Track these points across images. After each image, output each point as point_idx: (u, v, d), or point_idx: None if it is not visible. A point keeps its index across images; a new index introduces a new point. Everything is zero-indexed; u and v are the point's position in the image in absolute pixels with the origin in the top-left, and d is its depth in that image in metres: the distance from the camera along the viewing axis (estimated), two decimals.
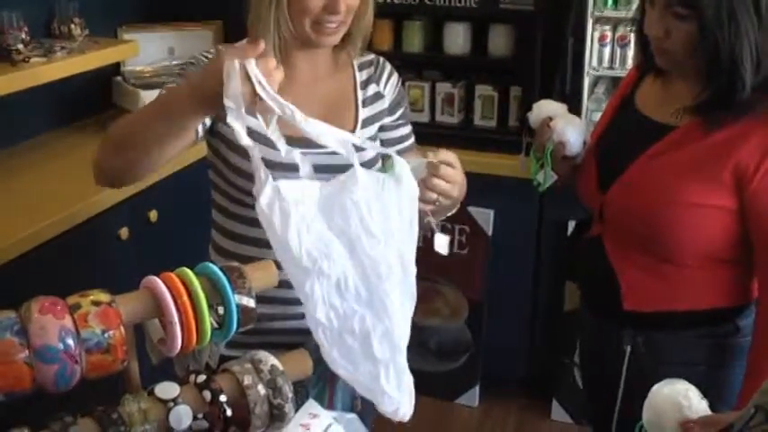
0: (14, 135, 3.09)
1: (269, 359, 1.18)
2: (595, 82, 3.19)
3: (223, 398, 1.12)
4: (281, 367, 1.17)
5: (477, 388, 3.51)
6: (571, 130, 1.94)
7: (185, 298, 1.12)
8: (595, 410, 2.17)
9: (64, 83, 2.94)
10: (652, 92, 1.88)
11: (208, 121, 1.72)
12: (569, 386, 3.30)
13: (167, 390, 1.10)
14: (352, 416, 1.67)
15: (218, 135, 1.77)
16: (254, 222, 1.78)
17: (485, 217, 3.28)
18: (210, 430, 1.12)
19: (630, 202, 1.81)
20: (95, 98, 3.39)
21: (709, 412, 1.41)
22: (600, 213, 1.89)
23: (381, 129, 1.93)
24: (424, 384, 3.50)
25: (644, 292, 1.85)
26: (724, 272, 1.81)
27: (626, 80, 2.02)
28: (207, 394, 1.11)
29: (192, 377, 1.14)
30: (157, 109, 1.56)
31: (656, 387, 1.47)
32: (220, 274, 1.16)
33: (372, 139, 1.89)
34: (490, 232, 3.29)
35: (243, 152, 1.60)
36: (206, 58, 1.74)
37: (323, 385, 1.89)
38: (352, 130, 1.84)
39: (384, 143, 1.95)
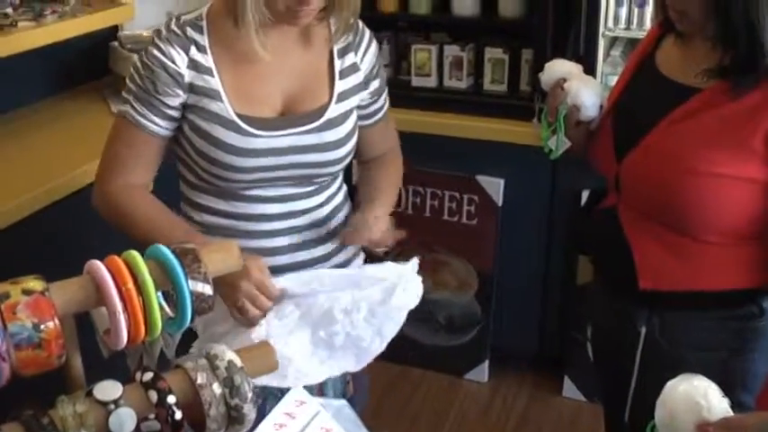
0: (8, 102, 2.99)
1: (226, 354, 1.05)
2: (611, 44, 3.03)
3: (171, 399, 0.99)
4: (239, 363, 1.04)
5: (487, 363, 3.41)
6: (586, 93, 1.81)
7: (130, 285, 1.00)
8: (607, 390, 2.05)
9: (59, 48, 2.85)
10: (674, 52, 1.74)
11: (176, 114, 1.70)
12: (582, 362, 3.17)
13: (108, 390, 0.98)
14: (342, 402, 1.55)
15: (185, 118, 1.71)
16: (221, 194, 1.71)
17: (494, 186, 3.16)
18: None
19: (649, 170, 1.68)
20: (92, 64, 3.29)
21: (730, 413, 1.27)
22: (616, 182, 1.76)
23: (358, 105, 1.84)
24: (432, 359, 3.49)
25: (661, 269, 1.72)
26: (749, 249, 1.67)
27: (646, 39, 1.87)
28: (153, 395, 0.99)
29: (139, 375, 1.02)
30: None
31: (671, 383, 1.32)
32: (172, 257, 1.03)
33: (349, 112, 1.80)
34: (500, 202, 3.17)
35: (211, 139, 1.66)
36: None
37: None
38: (327, 104, 1.76)
39: (359, 118, 1.87)
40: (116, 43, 3.26)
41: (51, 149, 2.74)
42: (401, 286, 1.66)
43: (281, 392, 1.44)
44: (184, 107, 1.69)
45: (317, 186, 1.81)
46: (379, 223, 1.73)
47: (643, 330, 1.77)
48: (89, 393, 0.98)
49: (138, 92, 1.68)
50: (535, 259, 3.24)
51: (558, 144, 1.84)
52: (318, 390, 1.80)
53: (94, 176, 1.74)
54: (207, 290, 1.04)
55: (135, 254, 1.03)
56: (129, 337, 1.01)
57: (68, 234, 2.47)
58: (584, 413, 3.21)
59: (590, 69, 2.82)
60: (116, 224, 1.71)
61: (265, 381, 1.57)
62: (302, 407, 1.36)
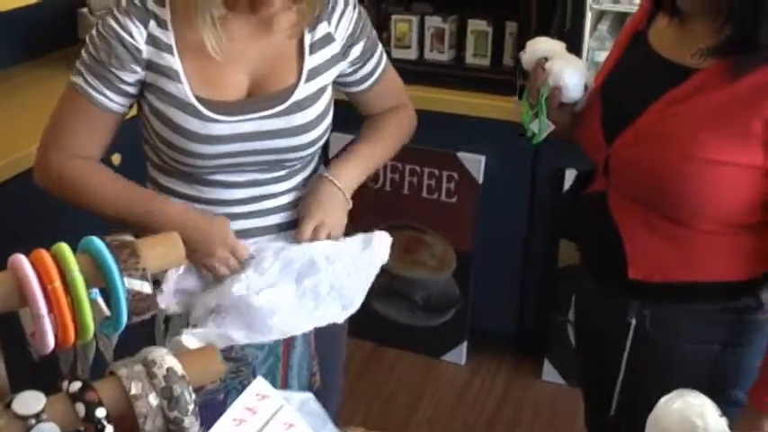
0: None
1: (165, 360, 0.94)
2: (599, 18, 2.90)
3: (101, 412, 0.88)
4: (180, 371, 0.94)
5: (465, 344, 3.33)
6: (570, 73, 1.68)
7: (57, 284, 0.89)
8: (590, 380, 1.96)
9: (26, 13, 2.76)
10: (669, 29, 1.62)
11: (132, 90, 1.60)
12: (562, 345, 3.12)
13: (29, 402, 0.87)
14: (307, 395, 1.45)
15: (143, 97, 1.61)
16: (186, 178, 1.62)
17: (475, 163, 3.06)
18: None
19: (640, 155, 1.57)
20: (61, 32, 3.18)
21: None
22: (605, 166, 1.65)
23: (339, 75, 1.73)
24: (409, 339, 3.41)
25: (653, 258, 1.61)
26: (746, 239, 1.57)
27: (638, 13, 1.75)
28: (80, 408, 0.88)
29: (65, 384, 0.91)
30: (125, 207, 1.60)
31: (663, 401, 1.22)
32: (105, 251, 0.92)
33: (321, 91, 1.68)
34: (481, 180, 3.07)
35: (171, 124, 1.58)
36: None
37: (274, 360, 1.68)
38: (296, 84, 1.64)
39: (345, 86, 1.78)
40: (85, 10, 3.14)
41: (13, 120, 2.64)
42: (376, 239, 1.67)
43: (242, 386, 1.36)
44: (143, 85, 1.58)
45: (287, 171, 1.70)
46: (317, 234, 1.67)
47: (633, 322, 1.68)
48: (8, 405, 0.87)
49: (91, 64, 1.56)
50: (515, 239, 3.15)
51: (541, 127, 1.73)
52: (283, 381, 1.71)
53: (37, 150, 1.62)
54: (145, 288, 0.93)
55: (64, 247, 0.92)
56: (57, 341, 0.91)
57: (24, 214, 2.36)
58: (563, 397, 3.13)
59: (576, 44, 2.72)
60: (66, 196, 1.61)
61: (250, 338, 1.54)
62: (264, 401, 1.27)
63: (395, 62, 3.01)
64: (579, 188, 1.81)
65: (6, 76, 2.97)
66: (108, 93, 1.56)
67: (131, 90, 1.58)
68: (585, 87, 1.71)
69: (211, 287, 1.59)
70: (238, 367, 1.60)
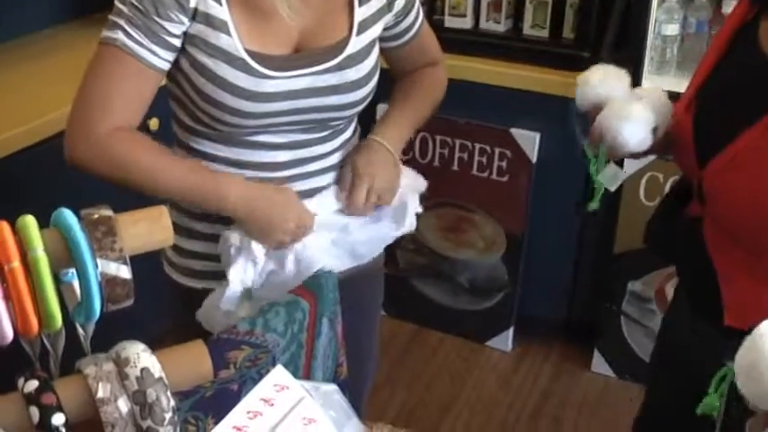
0: (14, 28, 2.84)
1: (140, 359, 0.80)
2: None
3: (58, 419, 0.75)
4: (157, 372, 0.80)
5: (511, 331, 3.18)
6: (629, 129, 1.39)
7: (16, 264, 0.76)
8: (664, 397, 1.75)
9: None
10: None
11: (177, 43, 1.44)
12: (613, 336, 2.97)
13: None
14: (331, 387, 1.34)
15: (184, 50, 1.45)
16: (224, 140, 1.50)
17: (529, 141, 2.89)
18: None
19: (737, 185, 1.31)
20: None
21: None
22: (699, 192, 1.39)
23: (383, 28, 1.63)
24: (453, 323, 3.27)
25: (753, 307, 1.35)
26: None
27: (740, 5, 1.43)
28: (34, 412, 0.75)
29: (21, 382, 0.78)
30: (182, 185, 1.47)
31: (760, 327, 1.03)
32: (76, 228, 0.79)
33: (372, 44, 1.58)
34: (534, 158, 2.90)
35: (217, 80, 1.44)
36: None
37: (297, 348, 1.55)
38: (347, 38, 1.53)
39: (386, 40, 1.68)
40: None
41: (51, 82, 2.56)
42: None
43: (259, 376, 1.23)
44: (185, 36, 1.43)
45: (331, 131, 1.61)
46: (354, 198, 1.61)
47: (730, 365, 1.47)
48: None
49: (133, 14, 1.39)
50: (569, 222, 2.98)
51: (598, 187, 1.49)
52: (305, 371, 1.59)
53: (70, 121, 1.44)
54: (122, 272, 0.80)
55: (28, 221, 0.79)
56: (18, 330, 0.78)
57: (63, 173, 2.30)
58: (613, 390, 2.99)
59: (643, 16, 2.55)
60: (112, 176, 1.44)
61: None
62: (283, 392, 1.15)
63: (449, 31, 2.92)
64: (676, 199, 1.55)
65: (49, 34, 2.91)
66: (155, 48, 1.41)
67: (177, 43, 1.43)
68: (655, 130, 1.43)
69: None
70: (257, 355, 1.48)
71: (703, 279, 1.41)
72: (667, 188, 2.43)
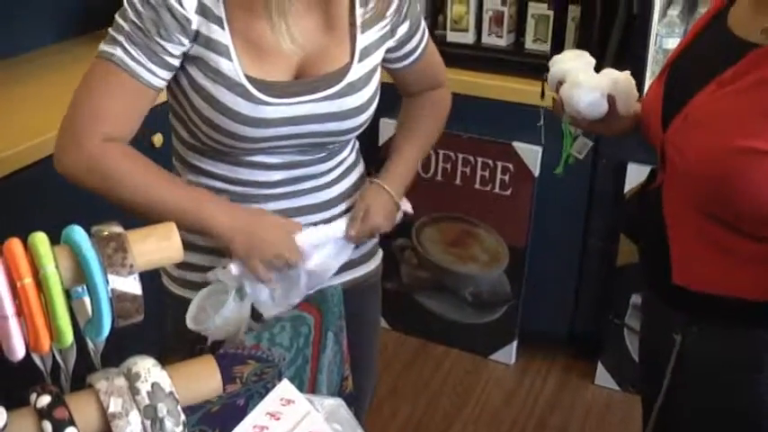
0: (19, 44, 2.85)
1: (151, 373, 0.81)
2: (669, 2, 2.72)
3: None
4: (167, 387, 0.81)
5: (515, 344, 3.19)
6: (580, 95, 1.57)
7: (28, 280, 0.77)
8: (644, 390, 1.80)
9: None
10: (750, 3, 1.40)
11: (176, 63, 1.44)
12: (617, 348, 2.97)
13: None
14: (337, 402, 1.33)
15: (183, 69, 1.46)
16: (221, 158, 1.52)
17: (532, 154, 2.89)
18: None
19: (690, 143, 1.37)
20: (109, 8, 3.11)
21: None
22: (662, 157, 1.47)
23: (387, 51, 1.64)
24: (456, 336, 3.28)
25: (701, 266, 1.43)
26: None
27: None
28: (47, 427, 0.76)
29: (34, 396, 0.79)
30: (174, 208, 1.44)
31: None
32: (86, 244, 0.80)
33: (373, 71, 1.58)
34: (537, 172, 2.91)
35: (218, 105, 1.44)
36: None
37: (302, 362, 1.56)
38: (349, 65, 1.53)
39: (388, 62, 1.68)
40: None
41: (60, 97, 2.55)
42: None
43: (265, 391, 1.24)
44: (185, 56, 1.44)
45: (328, 152, 1.61)
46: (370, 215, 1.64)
47: (678, 339, 1.51)
48: None
49: (134, 32, 1.39)
50: (572, 235, 2.99)
51: (564, 157, 1.73)
52: (310, 385, 1.59)
53: (61, 131, 1.44)
54: (133, 288, 0.81)
55: (39, 238, 0.80)
56: (30, 346, 0.79)
57: (66, 191, 2.30)
58: (617, 404, 3.00)
59: (644, 30, 2.57)
60: (100, 188, 1.43)
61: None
62: (289, 406, 1.16)
63: (450, 46, 2.93)
64: (647, 184, 1.64)
65: (54, 50, 2.91)
66: (153, 67, 1.41)
67: (176, 63, 1.43)
68: (612, 97, 1.59)
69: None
70: (263, 369, 1.48)
71: (657, 243, 1.48)
72: None
